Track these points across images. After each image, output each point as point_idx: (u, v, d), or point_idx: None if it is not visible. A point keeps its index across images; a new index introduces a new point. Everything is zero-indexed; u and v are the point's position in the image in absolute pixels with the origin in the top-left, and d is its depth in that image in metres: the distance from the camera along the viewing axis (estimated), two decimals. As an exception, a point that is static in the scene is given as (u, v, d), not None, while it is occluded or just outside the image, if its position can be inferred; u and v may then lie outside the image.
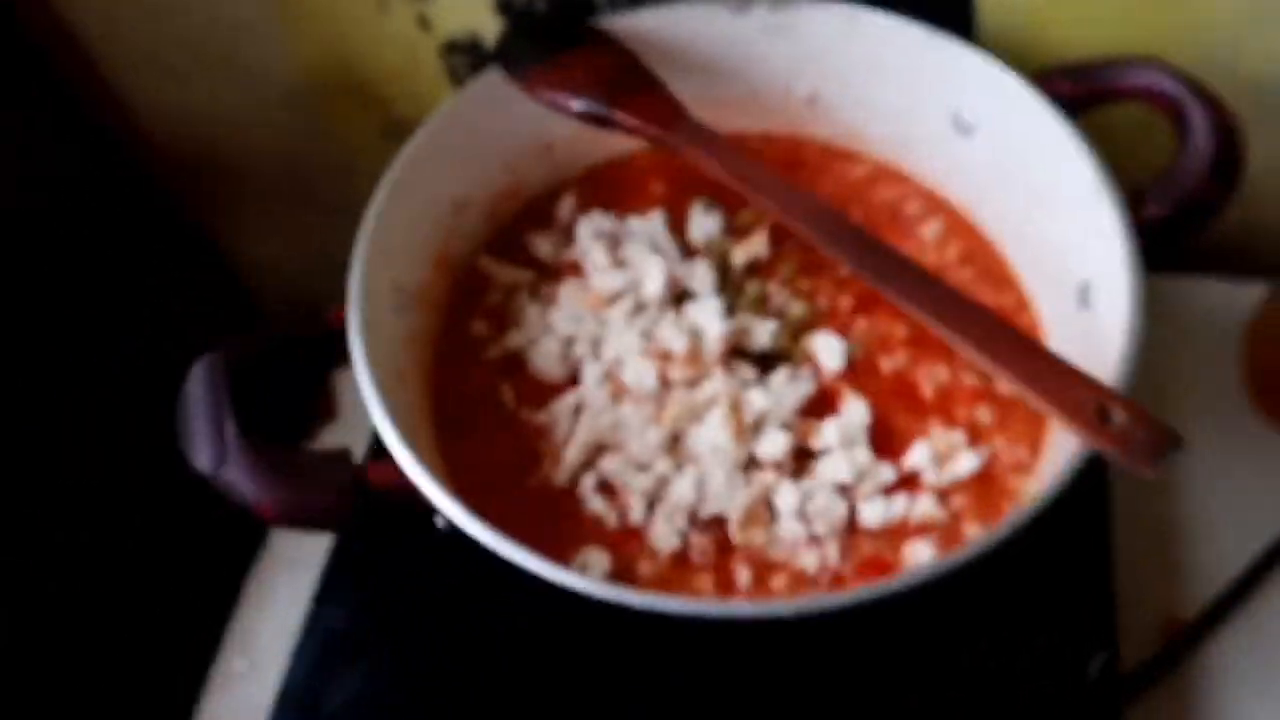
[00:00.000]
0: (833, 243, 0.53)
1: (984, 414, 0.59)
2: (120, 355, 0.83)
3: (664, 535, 0.55)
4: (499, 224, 0.69)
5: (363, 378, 0.53)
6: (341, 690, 0.62)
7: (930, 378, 0.60)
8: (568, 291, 0.64)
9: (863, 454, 0.57)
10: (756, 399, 0.57)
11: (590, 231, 0.66)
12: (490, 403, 0.62)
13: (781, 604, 0.44)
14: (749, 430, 0.57)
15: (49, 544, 0.74)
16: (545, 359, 0.62)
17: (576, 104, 0.60)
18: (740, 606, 0.45)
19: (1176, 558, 0.68)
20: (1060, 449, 0.56)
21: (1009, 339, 0.51)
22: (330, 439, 0.78)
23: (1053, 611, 0.60)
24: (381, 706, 0.61)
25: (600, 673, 0.60)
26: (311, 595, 0.68)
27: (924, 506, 0.55)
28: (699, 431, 0.57)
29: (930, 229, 0.67)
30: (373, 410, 0.52)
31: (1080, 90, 0.60)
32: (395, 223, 0.60)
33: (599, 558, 0.55)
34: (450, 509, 0.49)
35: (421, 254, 0.63)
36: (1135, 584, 0.65)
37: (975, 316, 0.51)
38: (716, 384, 0.58)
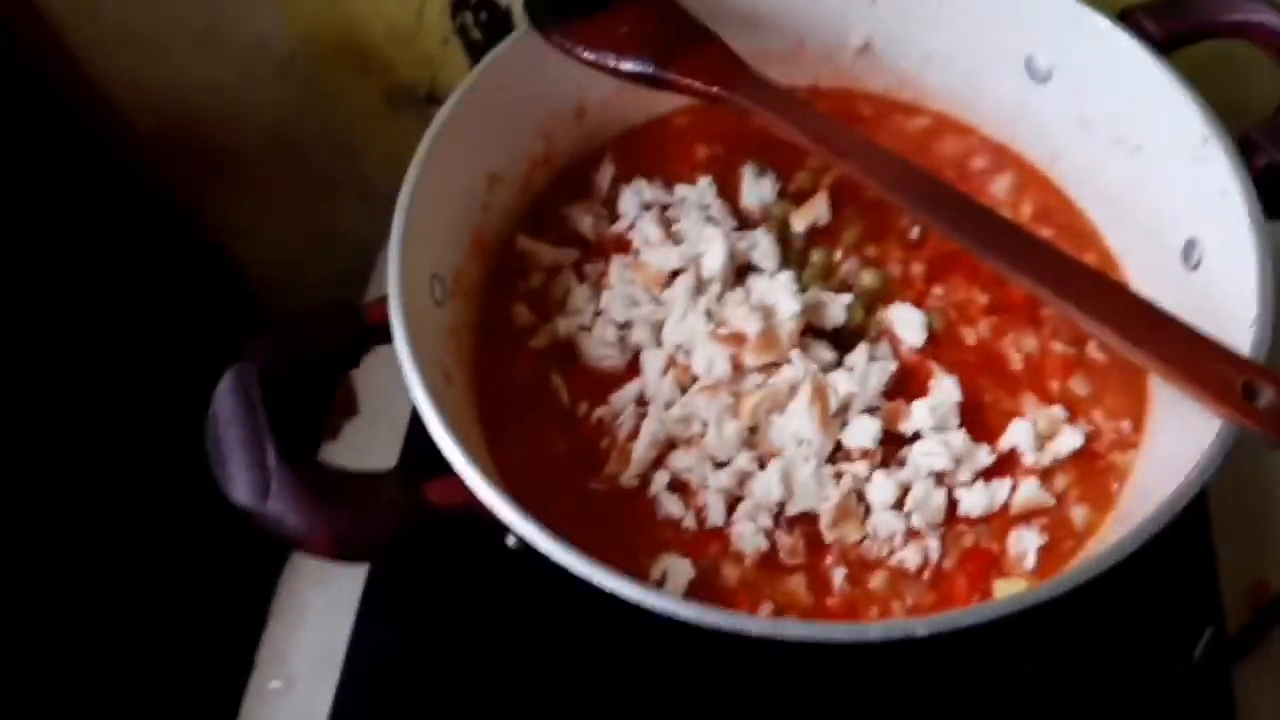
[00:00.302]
0: (934, 210, 0.48)
1: (1079, 385, 0.55)
2: (114, 350, 0.77)
3: (748, 536, 0.51)
4: (534, 198, 0.63)
5: (414, 383, 0.47)
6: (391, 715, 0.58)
7: (1018, 347, 0.56)
8: (619, 270, 0.58)
9: (957, 437, 0.52)
10: (839, 382, 0.53)
11: (636, 202, 0.61)
12: (541, 397, 0.57)
13: (918, 623, 0.39)
14: (834, 417, 0.52)
15: (55, 554, 0.69)
16: (600, 346, 0.57)
17: (626, 64, 0.53)
18: (874, 629, 0.41)
19: (1266, 522, 0.64)
20: (1167, 421, 0.52)
21: (1141, 311, 0.46)
22: (353, 436, 0.74)
23: (1158, 590, 0.56)
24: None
25: (678, 688, 0.56)
26: (353, 611, 0.63)
27: (1027, 491, 0.51)
28: (780, 421, 0.52)
29: (1001, 184, 0.62)
30: (430, 422, 0.46)
31: (1170, 29, 0.55)
32: (428, 206, 0.54)
33: (680, 565, 0.50)
34: (526, 529, 0.44)
35: (457, 237, 0.58)
36: (1226, 551, 0.62)
37: (1103, 291, 0.47)
38: (796, 368, 0.53)
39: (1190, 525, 0.58)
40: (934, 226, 0.48)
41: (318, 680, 0.62)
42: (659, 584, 0.50)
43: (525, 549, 0.45)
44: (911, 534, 0.51)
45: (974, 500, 0.51)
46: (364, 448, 0.70)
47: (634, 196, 0.61)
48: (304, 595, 0.68)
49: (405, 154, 0.55)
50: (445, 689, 0.58)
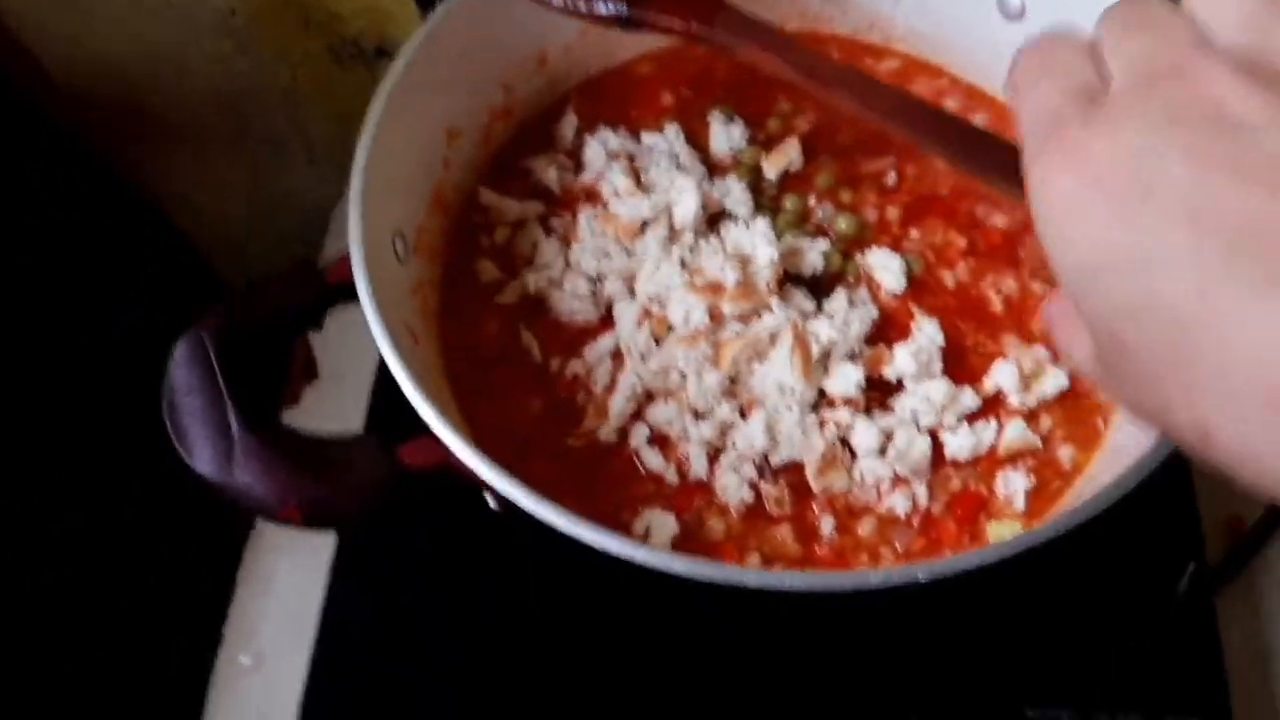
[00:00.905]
0: (938, 141, 0.45)
1: (1059, 325, 0.54)
2: (61, 328, 0.74)
3: (733, 488, 0.50)
4: (495, 151, 0.61)
5: (384, 342, 0.45)
6: (372, 695, 0.56)
7: (998, 289, 0.55)
8: (587, 223, 0.56)
9: (941, 381, 0.51)
10: (820, 329, 0.52)
11: (602, 152, 0.59)
12: (512, 354, 0.55)
13: (919, 568, 0.38)
14: (817, 365, 0.51)
15: (11, 530, 0.66)
16: (571, 300, 0.55)
17: (600, 6, 0.51)
18: (871, 576, 0.40)
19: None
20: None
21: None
22: (314, 402, 0.71)
23: (1141, 527, 0.56)
24: (420, 705, 0.54)
25: (665, 647, 0.55)
26: (323, 580, 0.61)
27: (1014, 432, 0.51)
28: (761, 370, 0.51)
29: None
30: (402, 382, 0.44)
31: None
32: (387, 163, 0.52)
33: (663, 520, 0.49)
34: (506, 486, 0.42)
35: (418, 194, 0.55)
36: (1201, 486, 0.62)
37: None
38: (777, 316, 0.51)
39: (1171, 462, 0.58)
40: (939, 155, 0.46)
41: (289, 654, 0.60)
42: (643, 540, 0.49)
43: (506, 510, 0.43)
44: (898, 480, 0.50)
45: (960, 444, 0.50)
46: (326, 413, 0.67)
47: (599, 146, 0.59)
48: (271, 565, 0.66)
49: (354, 111, 0.52)
50: (424, 658, 0.56)
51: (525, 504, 0.41)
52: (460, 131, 0.58)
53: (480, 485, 0.43)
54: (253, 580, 0.68)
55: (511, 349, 0.55)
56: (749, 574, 0.39)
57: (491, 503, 0.45)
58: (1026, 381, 0.52)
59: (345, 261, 0.48)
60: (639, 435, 0.51)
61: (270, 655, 0.64)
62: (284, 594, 0.66)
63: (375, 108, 0.52)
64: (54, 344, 0.72)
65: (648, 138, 0.60)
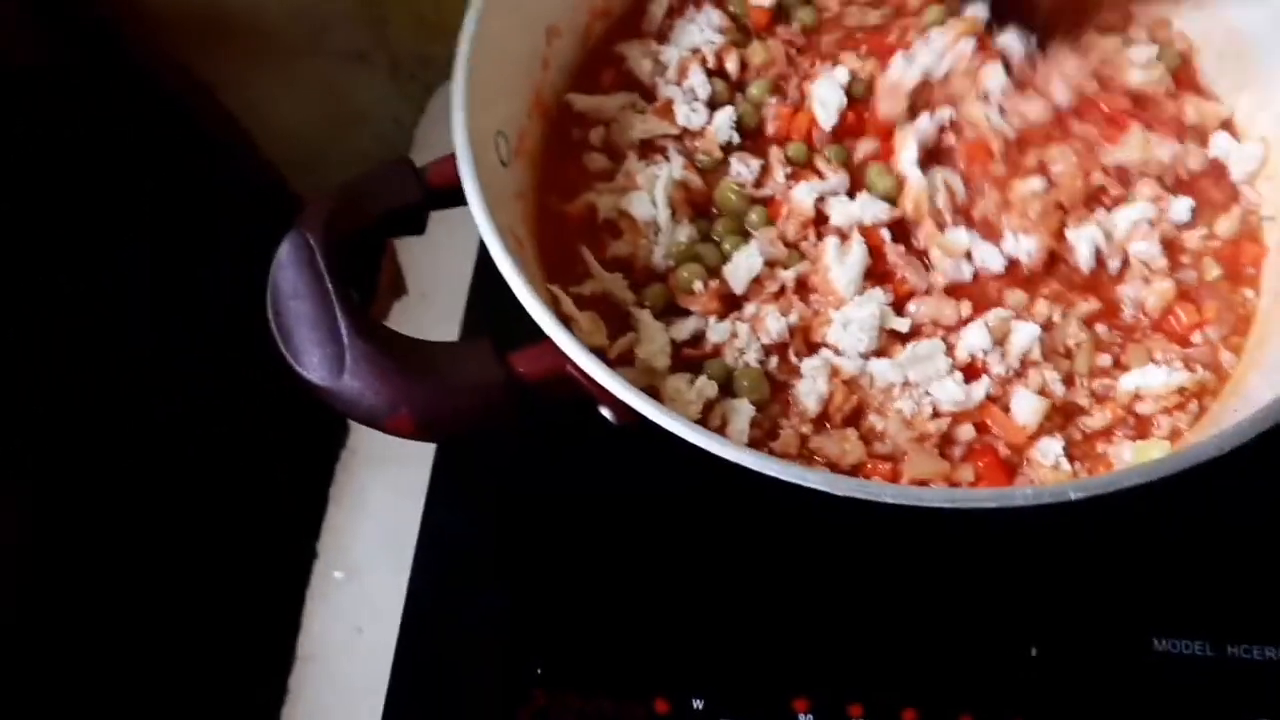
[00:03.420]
0: None
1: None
2: (137, 239, 0.73)
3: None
4: (591, 52, 0.58)
5: (494, 244, 0.43)
6: (473, 605, 0.55)
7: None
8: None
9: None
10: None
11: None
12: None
13: (1070, 486, 0.36)
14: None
15: (109, 453, 0.66)
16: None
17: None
18: (1017, 494, 0.37)
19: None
20: None
21: None
22: (403, 318, 0.70)
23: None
24: (523, 629, 0.53)
25: (790, 563, 0.53)
26: (415, 495, 0.60)
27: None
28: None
29: None
30: (516, 284, 0.42)
31: None
32: (489, 58, 0.49)
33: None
34: (634, 398, 0.40)
35: (519, 94, 0.53)
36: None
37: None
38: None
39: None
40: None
41: (383, 569, 0.60)
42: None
43: (624, 421, 0.42)
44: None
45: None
46: (416, 330, 0.66)
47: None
48: (363, 480, 0.65)
49: (439, 22, 0.50)
50: (521, 576, 0.55)
51: (650, 413, 0.39)
52: (560, 30, 0.55)
53: (596, 396, 0.42)
54: (345, 497, 0.67)
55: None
56: (888, 489, 0.36)
57: (609, 414, 0.43)
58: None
59: (448, 161, 0.46)
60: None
61: (364, 570, 0.63)
62: (377, 511, 0.65)
63: (475, 2, 0.49)
64: (127, 258, 0.71)
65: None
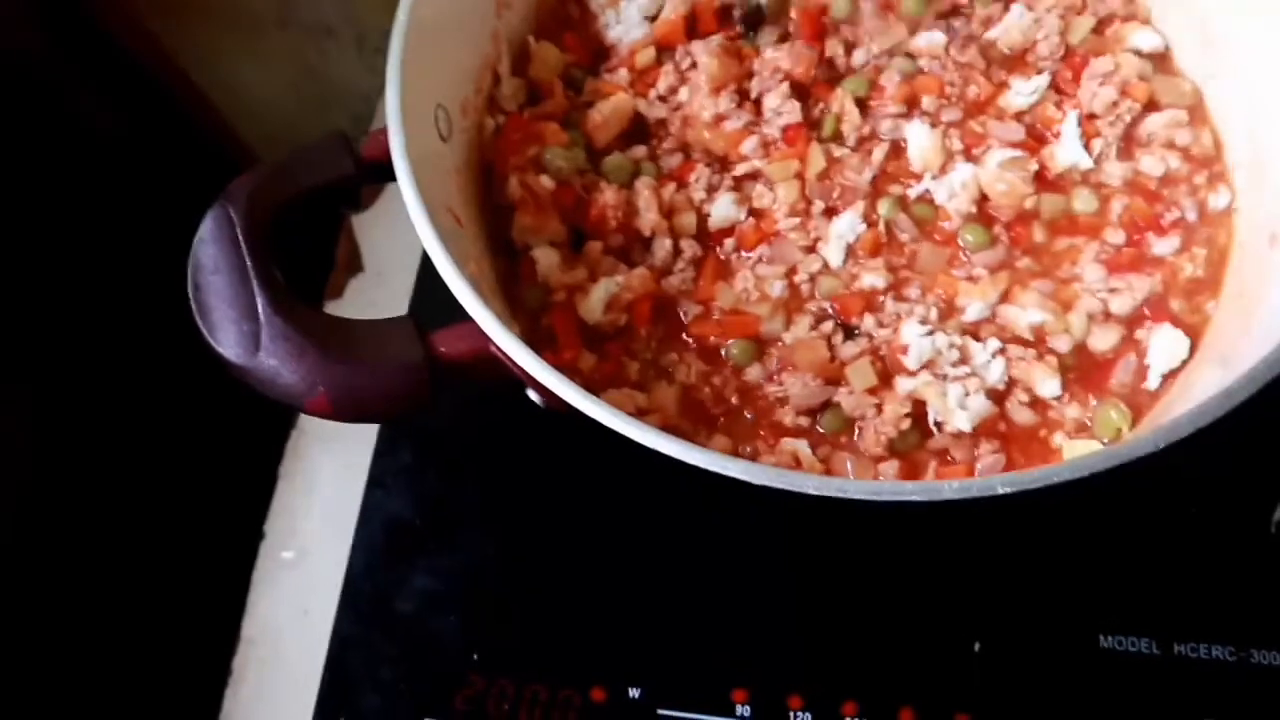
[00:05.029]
0: None
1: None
2: (98, 215, 0.72)
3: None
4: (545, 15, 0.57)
5: (418, 216, 0.42)
6: (412, 589, 0.54)
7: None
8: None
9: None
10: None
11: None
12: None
13: (999, 479, 0.35)
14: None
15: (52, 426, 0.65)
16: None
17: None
18: (944, 487, 0.36)
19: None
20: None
21: None
22: (359, 294, 0.69)
23: (1233, 453, 0.51)
24: (465, 607, 0.52)
25: (716, 546, 0.52)
26: (363, 480, 0.59)
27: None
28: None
29: None
30: (437, 258, 0.40)
31: None
32: (429, 29, 0.47)
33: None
34: (547, 375, 0.39)
35: (464, 67, 0.51)
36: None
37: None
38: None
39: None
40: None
41: (331, 549, 0.59)
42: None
43: (549, 404, 0.41)
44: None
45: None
46: (371, 307, 0.65)
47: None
48: (312, 460, 0.64)
49: None
50: (464, 554, 0.54)
51: (571, 397, 0.38)
52: (510, 2, 0.54)
53: (521, 379, 0.40)
54: (294, 477, 0.66)
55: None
56: (810, 480, 0.35)
57: (535, 397, 0.42)
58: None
59: (382, 135, 0.44)
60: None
61: (312, 550, 0.63)
62: (326, 491, 0.64)
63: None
64: (93, 236, 0.70)
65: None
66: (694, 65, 0.53)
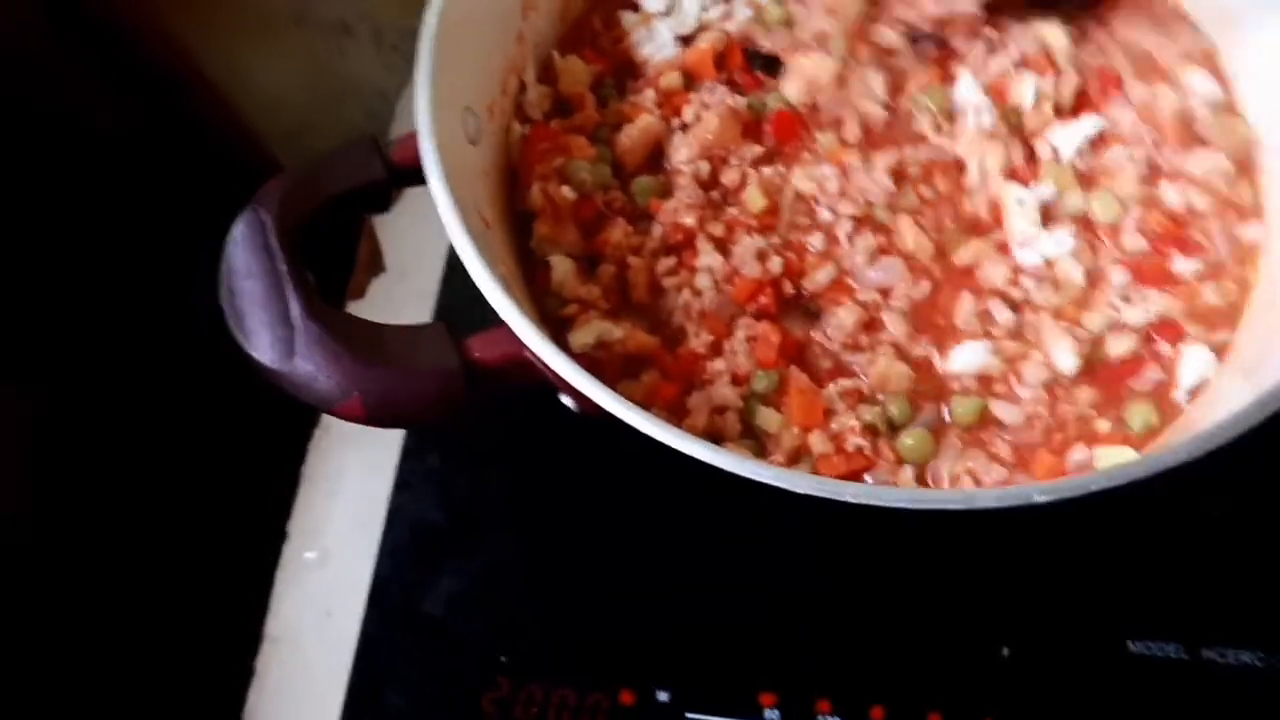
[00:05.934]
0: None
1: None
2: (118, 216, 0.72)
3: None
4: (571, 26, 0.56)
5: (451, 221, 0.42)
6: (439, 591, 0.54)
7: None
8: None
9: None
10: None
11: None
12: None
13: (1035, 489, 0.34)
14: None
15: (75, 428, 0.65)
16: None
17: None
18: (980, 496, 0.36)
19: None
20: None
21: None
22: (381, 295, 0.69)
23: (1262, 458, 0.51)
24: (493, 609, 0.53)
25: (752, 554, 0.52)
26: (390, 476, 0.59)
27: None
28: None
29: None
30: (471, 263, 0.40)
31: None
32: (457, 32, 0.47)
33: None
34: (580, 380, 0.39)
35: (491, 70, 0.51)
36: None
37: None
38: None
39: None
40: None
41: (355, 551, 0.59)
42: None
43: (583, 409, 0.41)
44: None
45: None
46: (392, 309, 0.65)
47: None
48: (337, 460, 0.64)
49: None
50: (491, 557, 0.55)
51: (605, 402, 0.38)
52: (535, 4, 0.54)
53: (554, 384, 0.40)
54: (318, 477, 0.66)
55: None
56: (848, 488, 0.35)
57: (569, 402, 0.42)
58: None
59: (411, 139, 0.44)
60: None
61: (335, 552, 0.63)
62: (350, 491, 0.64)
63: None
64: (110, 234, 0.70)
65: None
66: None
